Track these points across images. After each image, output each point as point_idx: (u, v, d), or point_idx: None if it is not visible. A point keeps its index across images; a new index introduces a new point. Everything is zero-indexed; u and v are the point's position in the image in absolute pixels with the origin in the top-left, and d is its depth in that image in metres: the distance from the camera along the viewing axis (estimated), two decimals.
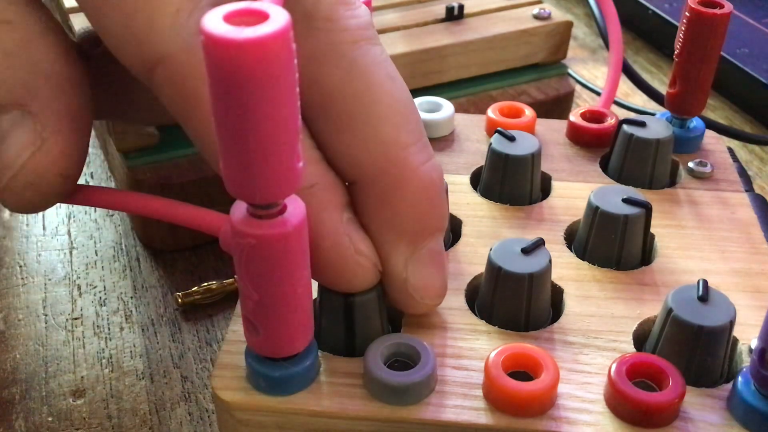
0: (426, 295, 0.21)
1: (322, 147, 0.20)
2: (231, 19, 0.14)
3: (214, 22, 0.14)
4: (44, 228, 0.35)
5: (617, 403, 0.19)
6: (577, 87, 0.43)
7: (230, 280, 0.31)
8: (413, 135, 0.20)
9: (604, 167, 0.29)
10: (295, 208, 0.17)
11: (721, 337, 0.20)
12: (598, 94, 0.41)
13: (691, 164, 0.28)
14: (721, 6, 0.27)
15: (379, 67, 0.20)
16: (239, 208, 0.17)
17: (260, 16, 0.14)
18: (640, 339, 0.22)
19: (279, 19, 0.14)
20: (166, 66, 0.18)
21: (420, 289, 0.21)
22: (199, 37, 0.14)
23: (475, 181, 0.28)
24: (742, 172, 0.28)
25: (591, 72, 0.46)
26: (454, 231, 0.26)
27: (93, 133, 0.41)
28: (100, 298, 0.32)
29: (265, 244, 0.17)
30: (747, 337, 0.22)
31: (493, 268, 0.22)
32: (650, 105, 0.41)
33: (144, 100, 0.24)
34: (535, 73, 0.40)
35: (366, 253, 0.20)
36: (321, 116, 0.20)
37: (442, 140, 0.30)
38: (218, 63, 0.14)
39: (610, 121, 0.29)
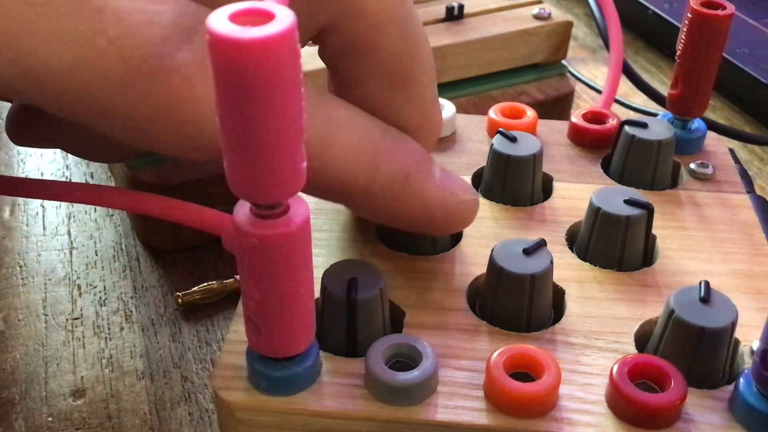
0: None
1: (370, 105, 0.22)
2: (236, 18, 0.14)
3: (220, 21, 0.14)
4: (44, 228, 0.35)
5: (619, 405, 0.19)
6: (577, 87, 0.43)
7: (230, 280, 0.31)
8: (436, 89, 0.23)
9: (606, 168, 0.29)
10: (298, 208, 0.17)
11: (723, 338, 0.20)
12: (600, 92, 0.41)
13: (692, 165, 0.28)
14: (723, 7, 0.27)
15: (420, 25, 0.21)
16: (243, 208, 0.17)
17: (266, 16, 0.14)
18: (641, 340, 0.22)
19: (284, 19, 0.14)
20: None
21: None
22: None
23: (477, 181, 0.28)
24: (744, 174, 0.28)
25: (591, 72, 0.46)
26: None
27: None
28: (100, 298, 0.32)
29: (268, 245, 0.17)
30: (749, 339, 0.22)
31: (494, 269, 0.22)
32: (650, 105, 0.41)
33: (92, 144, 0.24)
34: (535, 73, 0.40)
35: (466, 196, 0.22)
36: (378, 76, 0.21)
37: (443, 141, 0.30)
38: (223, 62, 0.14)
39: (612, 122, 0.29)
